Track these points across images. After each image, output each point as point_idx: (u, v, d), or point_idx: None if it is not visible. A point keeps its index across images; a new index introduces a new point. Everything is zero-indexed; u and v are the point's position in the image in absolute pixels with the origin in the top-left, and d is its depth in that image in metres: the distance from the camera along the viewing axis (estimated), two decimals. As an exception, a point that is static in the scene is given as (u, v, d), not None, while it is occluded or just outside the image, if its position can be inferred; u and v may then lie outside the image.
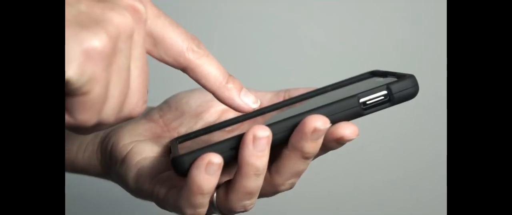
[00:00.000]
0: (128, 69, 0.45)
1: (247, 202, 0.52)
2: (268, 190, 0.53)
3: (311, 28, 1.05)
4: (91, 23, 0.42)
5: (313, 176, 1.05)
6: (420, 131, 1.07)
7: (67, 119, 0.44)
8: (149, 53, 0.49)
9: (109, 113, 0.45)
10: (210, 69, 0.50)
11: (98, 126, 0.45)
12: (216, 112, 0.59)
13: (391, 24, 1.05)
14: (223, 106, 0.59)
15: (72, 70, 0.41)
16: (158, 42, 0.49)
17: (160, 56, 0.49)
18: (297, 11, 1.05)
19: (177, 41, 0.49)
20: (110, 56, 0.43)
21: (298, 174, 0.52)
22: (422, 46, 1.05)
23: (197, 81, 0.51)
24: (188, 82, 0.55)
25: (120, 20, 0.43)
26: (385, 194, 1.09)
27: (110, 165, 0.58)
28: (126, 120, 0.47)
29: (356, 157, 1.08)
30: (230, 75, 0.52)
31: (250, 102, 0.52)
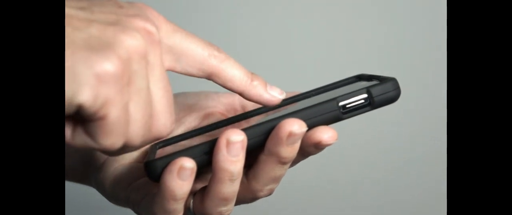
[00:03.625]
0: (147, 91, 0.45)
1: (224, 208, 0.51)
2: (247, 196, 0.52)
3: (302, 30, 1.05)
4: (102, 47, 0.43)
5: (313, 176, 1.04)
6: (420, 131, 1.06)
7: (92, 144, 0.44)
8: (172, 69, 0.49)
9: (134, 135, 0.45)
10: (233, 71, 0.51)
11: (127, 148, 0.45)
12: (197, 117, 0.59)
13: (390, 25, 1.04)
14: (206, 111, 0.59)
15: (86, 94, 0.42)
16: (180, 56, 0.49)
17: (184, 70, 0.50)
18: (289, 12, 1.04)
19: (198, 51, 0.50)
20: (123, 78, 0.43)
21: (276, 180, 0.51)
22: (422, 46, 1.04)
23: (224, 85, 0.51)
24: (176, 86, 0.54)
25: (131, 42, 0.44)
26: (385, 194, 1.08)
27: (89, 171, 0.57)
28: (157, 140, 0.47)
29: (356, 156, 1.07)
30: (252, 73, 0.52)
31: (277, 94, 0.53)
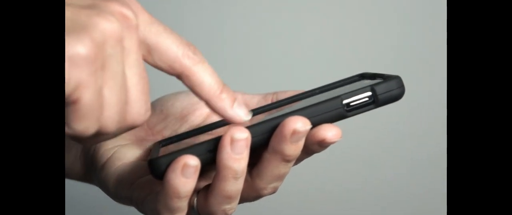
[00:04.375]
0: (123, 75, 0.44)
1: (227, 206, 0.51)
2: (250, 194, 0.52)
3: (304, 29, 1.05)
4: (76, 29, 0.42)
5: (313, 176, 1.04)
6: (420, 131, 1.06)
7: (66, 130, 0.43)
8: (144, 60, 0.48)
9: (109, 121, 0.44)
10: (204, 77, 0.49)
11: (100, 136, 0.45)
12: (201, 115, 0.58)
13: (390, 24, 1.04)
14: (208, 110, 0.58)
15: None
16: (153, 49, 0.48)
17: (155, 63, 0.48)
18: (289, 11, 1.04)
19: (172, 47, 0.48)
20: (97, 61, 0.42)
21: (280, 178, 0.51)
22: (422, 46, 1.04)
23: (191, 88, 0.50)
24: (172, 85, 0.54)
25: (106, 25, 0.43)
26: (385, 193, 1.08)
27: (92, 170, 0.57)
28: (130, 129, 0.46)
29: (356, 156, 1.07)
30: (224, 85, 0.50)
31: (242, 114, 0.51)
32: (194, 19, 1.04)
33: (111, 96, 0.44)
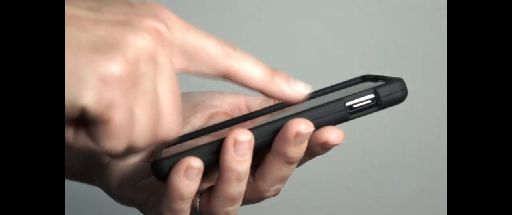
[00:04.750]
0: (155, 93, 0.43)
1: (230, 208, 0.51)
2: (253, 196, 0.52)
3: (307, 30, 1.05)
4: (109, 48, 0.41)
5: (314, 175, 1.04)
6: (420, 132, 1.06)
7: (94, 147, 0.42)
8: (185, 71, 0.47)
9: (138, 138, 0.43)
10: (251, 70, 0.48)
11: (131, 151, 0.44)
12: (203, 116, 0.58)
13: (391, 25, 1.04)
14: (211, 111, 0.58)
15: (89, 97, 0.40)
16: (193, 56, 0.46)
17: (198, 71, 0.47)
18: (293, 12, 1.04)
19: (212, 49, 0.47)
20: (129, 80, 0.41)
21: (282, 180, 0.51)
22: (423, 47, 1.04)
23: (242, 84, 0.48)
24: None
25: (140, 43, 0.42)
26: (385, 193, 1.08)
27: (93, 170, 0.57)
28: (163, 142, 0.45)
29: (356, 156, 1.07)
30: (273, 69, 0.49)
31: (301, 89, 0.50)
32: (196, 21, 1.04)
33: (142, 115, 0.43)
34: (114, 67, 0.41)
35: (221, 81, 0.51)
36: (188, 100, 0.59)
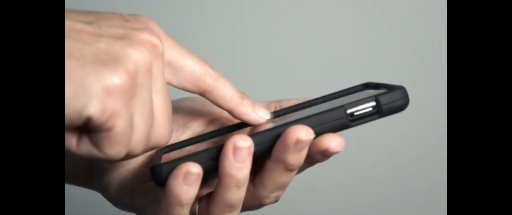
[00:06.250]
0: (151, 102, 0.47)
1: None
2: (252, 203, 0.52)
3: (307, 37, 1.04)
4: (111, 61, 0.44)
5: (314, 176, 1.04)
6: (420, 135, 1.06)
7: (98, 153, 0.45)
8: (169, 83, 0.51)
9: (136, 144, 0.46)
10: (226, 90, 0.53)
11: (128, 156, 0.47)
12: (203, 122, 0.58)
13: (391, 31, 1.04)
14: (211, 117, 0.58)
15: (95, 107, 0.43)
16: (178, 71, 0.51)
17: (180, 84, 0.52)
18: (293, 19, 1.04)
19: (195, 68, 0.52)
20: (130, 91, 0.44)
21: (282, 187, 0.51)
22: (423, 51, 1.04)
23: (215, 102, 0.53)
24: (175, 92, 0.54)
25: (138, 55, 0.45)
26: (385, 193, 1.08)
27: (93, 175, 0.57)
28: (154, 149, 0.49)
29: (356, 156, 1.07)
30: (242, 93, 0.54)
31: (264, 115, 0.55)
32: (196, 21, 1.04)
33: (140, 122, 0.46)
34: (117, 79, 0.44)
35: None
36: (189, 106, 0.59)
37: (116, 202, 0.55)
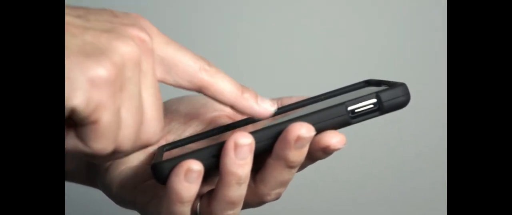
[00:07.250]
0: (139, 97, 0.46)
1: (230, 212, 0.50)
2: (254, 200, 0.52)
3: (309, 35, 1.04)
4: (96, 53, 0.43)
5: (314, 175, 1.04)
6: (420, 135, 1.06)
7: (83, 147, 0.44)
8: (163, 81, 0.50)
9: (125, 140, 0.45)
10: (224, 85, 0.51)
11: (116, 154, 0.46)
12: (205, 120, 0.58)
13: (395, 29, 1.04)
14: (213, 114, 0.58)
15: (78, 98, 0.42)
16: (171, 68, 0.50)
17: (175, 82, 0.50)
18: (294, 17, 1.04)
19: (189, 63, 0.50)
20: (116, 83, 0.44)
21: (283, 184, 0.51)
22: (423, 51, 1.04)
23: (214, 98, 0.52)
24: (176, 90, 0.54)
25: (125, 49, 0.45)
26: (385, 193, 1.08)
27: (96, 173, 0.57)
28: (145, 147, 0.48)
29: (356, 155, 1.07)
30: (243, 86, 0.52)
31: (268, 106, 0.53)
32: (195, 21, 1.04)
33: (128, 117, 0.45)
34: (102, 70, 0.43)
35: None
36: (190, 104, 0.59)
37: (119, 200, 0.55)
